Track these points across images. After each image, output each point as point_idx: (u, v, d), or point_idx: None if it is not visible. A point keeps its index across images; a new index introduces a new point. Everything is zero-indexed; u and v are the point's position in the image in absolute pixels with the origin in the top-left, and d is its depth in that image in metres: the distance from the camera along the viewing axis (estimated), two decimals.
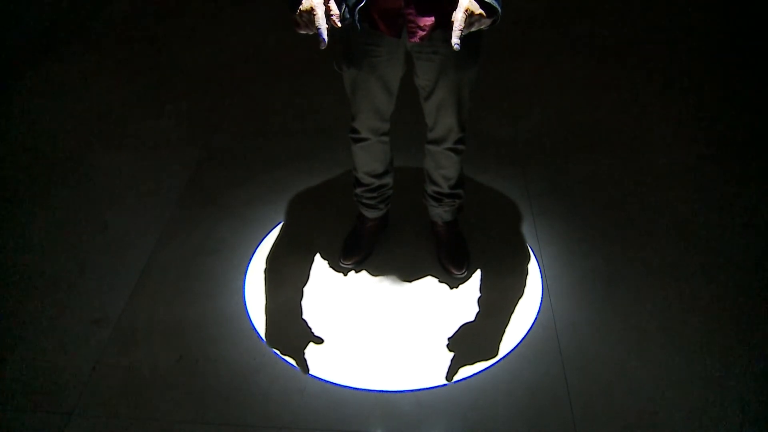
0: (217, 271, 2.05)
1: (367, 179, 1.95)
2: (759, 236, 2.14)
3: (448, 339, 1.81)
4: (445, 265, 2.01)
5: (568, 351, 1.77)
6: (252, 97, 3.02)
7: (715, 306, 1.89)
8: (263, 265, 2.06)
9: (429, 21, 1.46)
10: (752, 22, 3.62)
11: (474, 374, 1.71)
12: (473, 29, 1.33)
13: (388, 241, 2.14)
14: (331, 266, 2.05)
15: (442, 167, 1.88)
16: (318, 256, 2.09)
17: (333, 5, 1.35)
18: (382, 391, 1.68)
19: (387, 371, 1.73)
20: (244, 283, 2.00)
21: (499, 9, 1.33)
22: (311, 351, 1.78)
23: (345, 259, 2.03)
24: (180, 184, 2.43)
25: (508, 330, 1.83)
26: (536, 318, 1.87)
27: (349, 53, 1.62)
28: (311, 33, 1.34)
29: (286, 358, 1.76)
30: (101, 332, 1.84)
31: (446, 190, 1.94)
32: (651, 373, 1.70)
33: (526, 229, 2.19)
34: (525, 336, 1.81)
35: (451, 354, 1.77)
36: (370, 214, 2.05)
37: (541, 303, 1.91)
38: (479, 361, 1.74)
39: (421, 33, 1.48)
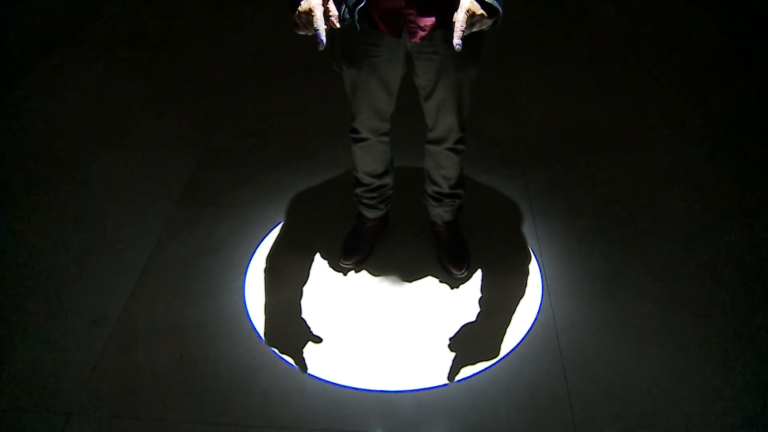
0: (217, 271, 2.05)
1: (367, 179, 1.95)
2: (759, 236, 2.14)
3: (448, 339, 1.81)
4: (445, 265, 2.01)
5: (568, 351, 1.77)
6: (252, 97, 3.02)
7: (715, 306, 1.89)
8: (263, 265, 2.06)
9: (429, 21, 1.46)
10: (752, 22, 3.62)
11: (474, 374, 1.71)
12: (475, 29, 1.33)
13: (388, 241, 2.14)
14: (331, 266, 2.05)
15: (442, 167, 1.88)
16: (318, 256, 2.09)
17: (332, 6, 1.35)
18: (382, 391, 1.68)
19: (387, 371, 1.73)
20: (244, 283, 2.00)
21: (500, 9, 1.33)
22: (311, 351, 1.78)
23: (345, 259, 2.03)
24: (180, 184, 2.43)
25: (508, 330, 1.83)
26: (536, 318, 1.87)
27: (349, 53, 1.62)
28: (310, 34, 1.35)
29: (286, 357, 1.76)
30: (101, 332, 1.84)
31: (446, 190, 1.94)
32: (651, 373, 1.70)
33: (526, 229, 2.19)
34: (525, 336, 1.81)
35: (451, 354, 1.77)
36: (370, 214, 2.05)
37: (541, 303, 1.91)
38: (479, 361, 1.74)
39: (422, 33, 1.48)
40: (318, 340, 1.81)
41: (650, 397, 1.65)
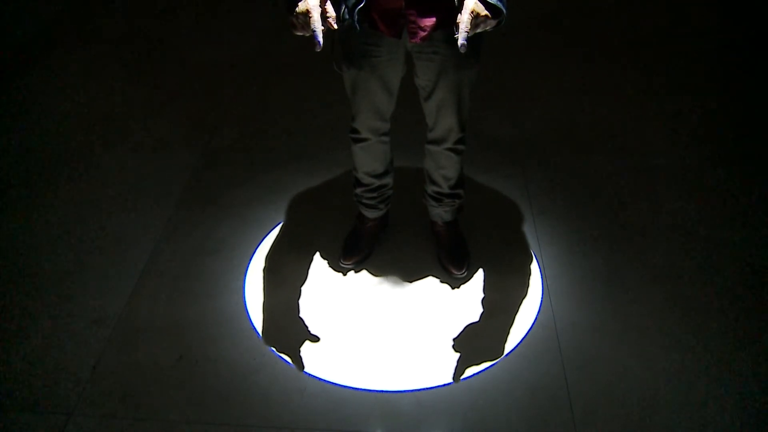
0: (217, 271, 2.05)
1: (367, 179, 1.95)
2: (759, 236, 2.14)
3: (448, 339, 1.81)
4: (445, 265, 2.01)
5: (568, 351, 1.77)
6: (252, 97, 3.02)
7: (715, 306, 1.89)
8: (263, 265, 2.06)
9: (430, 21, 1.46)
10: (752, 22, 3.62)
11: (474, 374, 1.71)
12: (478, 30, 1.33)
13: (388, 241, 2.14)
14: (331, 266, 2.05)
15: (442, 167, 1.88)
16: (318, 256, 2.09)
17: (329, 7, 1.35)
18: (382, 391, 1.68)
19: (387, 371, 1.73)
20: (244, 283, 2.00)
21: (504, 10, 1.33)
22: (311, 351, 1.78)
23: (345, 259, 2.03)
24: (180, 184, 2.43)
25: (508, 330, 1.83)
26: (536, 318, 1.87)
27: (349, 53, 1.62)
28: (307, 35, 1.35)
29: (286, 357, 1.76)
30: (101, 332, 1.84)
31: (446, 190, 1.94)
32: (651, 373, 1.70)
33: (526, 229, 2.19)
34: (525, 336, 1.81)
35: (451, 354, 1.77)
36: (370, 214, 2.05)
37: (541, 303, 1.91)
38: (479, 361, 1.74)
39: (422, 33, 1.48)
40: (318, 339, 1.81)
41: (650, 397, 1.65)
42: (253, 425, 1.60)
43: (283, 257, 2.09)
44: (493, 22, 1.33)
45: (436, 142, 1.81)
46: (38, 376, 1.72)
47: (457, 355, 1.76)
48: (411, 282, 2.00)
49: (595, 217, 2.24)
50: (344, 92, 1.75)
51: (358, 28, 1.48)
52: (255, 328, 1.85)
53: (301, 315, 1.89)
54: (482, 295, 1.94)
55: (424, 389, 1.68)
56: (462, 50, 1.29)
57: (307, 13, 1.32)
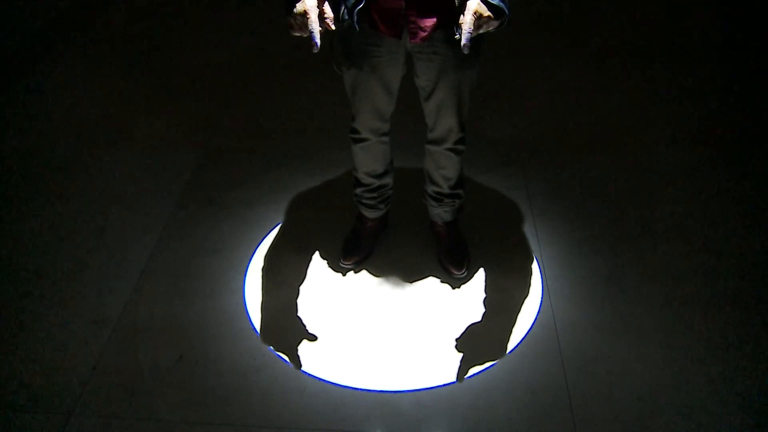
0: (216, 270, 2.05)
1: (367, 179, 1.95)
2: (759, 236, 2.14)
3: (448, 339, 1.81)
4: (445, 265, 2.01)
5: (568, 351, 1.77)
6: (252, 97, 3.02)
7: (715, 306, 1.89)
8: (263, 265, 2.06)
9: (430, 22, 1.46)
10: (752, 23, 3.62)
11: (474, 374, 1.71)
12: (481, 31, 1.34)
13: (388, 241, 2.14)
14: (331, 266, 2.05)
15: (442, 167, 1.88)
16: (318, 256, 2.09)
17: (327, 8, 1.36)
18: (382, 391, 1.68)
19: (387, 371, 1.73)
20: (244, 283, 2.00)
21: (507, 11, 1.33)
22: (311, 351, 1.78)
23: (345, 259, 2.03)
24: (180, 184, 2.43)
25: (508, 330, 1.83)
26: (536, 318, 1.87)
27: (349, 54, 1.62)
28: (305, 35, 1.35)
29: (286, 357, 1.76)
30: (101, 332, 1.84)
31: (446, 191, 1.94)
32: (651, 373, 1.70)
33: (526, 229, 2.19)
34: (525, 336, 1.81)
35: (451, 354, 1.77)
36: (370, 214, 2.05)
37: (541, 303, 1.91)
38: (479, 361, 1.74)
39: (422, 34, 1.48)
40: (318, 339, 1.81)
41: (650, 397, 1.65)
42: (253, 425, 1.60)
43: (283, 257, 2.09)
44: (495, 23, 1.34)
45: (436, 142, 1.81)
46: (38, 376, 1.72)
47: (457, 355, 1.76)
48: (411, 282, 2.00)
49: (595, 217, 2.24)
50: (344, 92, 1.75)
51: (357, 28, 1.48)
52: (255, 328, 1.85)
53: (301, 315, 1.89)
54: (482, 295, 1.94)
55: (424, 389, 1.68)
56: (465, 51, 1.30)
57: (304, 14, 1.32)
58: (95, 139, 2.70)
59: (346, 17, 1.47)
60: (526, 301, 1.92)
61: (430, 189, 1.98)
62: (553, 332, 1.82)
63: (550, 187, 2.38)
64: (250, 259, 2.09)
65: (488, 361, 1.75)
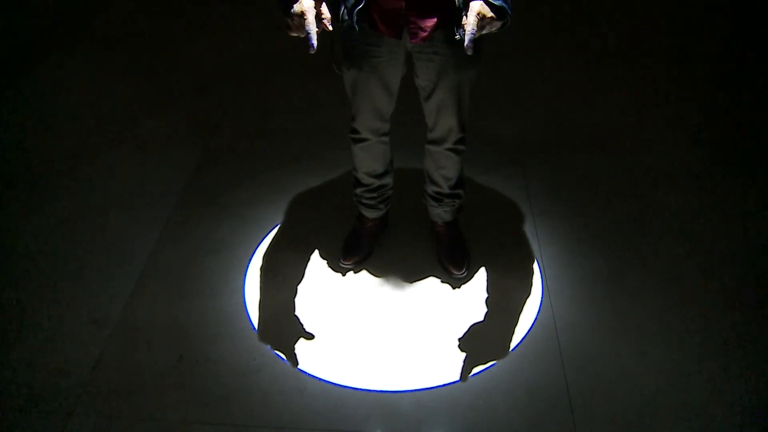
0: (217, 270, 2.05)
1: (367, 179, 1.95)
2: (759, 236, 2.14)
3: (448, 339, 1.81)
4: (445, 265, 2.01)
5: (568, 351, 1.77)
6: (252, 97, 3.02)
7: (715, 306, 1.89)
8: (263, 265, 2.06)
9: (430, 22, 1.46)
10: (752, 23, 3.62)
11: (474, 374, 1.71)
12: (484, 32, 1.34)
13: (388, 241, 2.14)
14: (331, 266, 2.05)
15: (442, 167, 1.88)
16: (318, 256, 2.09)
17: (324, 9, 1.36)
18: (382, 391, 1.68)
19: (387, 371, 1.73)
20: (244, 283, 2.00)
21: (510, 12, 1.34)
22: (311, 351, 1.78)
23: (345, 259, 2.03)
24: (180, 184, 2.43)
25: (508, 330, 1.83)
26: (536, 318, 1.87)
27: (349, 54, 1.62)
28: (302, 36, 1.35)
29: (286, 357, 1.76)
30: (101, 332, 1.84)
31: (446, 191, 1.94)
32: (651, 373, 1.70)
33: (526, 229, 2.19)
34: (525, 336, 1.81)
35: (451, 354, 1.77)
36: (370, 214, 2.05)
37: (541, 303, 1.91)
38: (479, 361, 1.74)
39: (423, 34, 1.48)
40: (317, 339, 1.81)
41: (650, 397, 1.65)
42: (253, 425, 1.60)
43: (283, 257, 2.09)
44: (498, 24, 1.34)
45: (436, 142, 1.81)
46: (38, 376, 1.72)
47: (457, 355, 1.76)
48: (411, 282, 2.00)
49: (596, 217, 2.24)
50: (344, 92, 1.75)
51: (357, 29, 1.48)
52: (255, 328, 1.85)
53: (301, 315, 1.89)
54: (482, 295, 1.94)
55: (424, 389, 1.68)
56: (468, 52, 1.30)
57: (302, 15, 1.33)
58: (95, 139, 2.70)
59: (346, 17, 1.47)
60: (526, 301, 1.92)
61: (430, 189, 1.98)
62: (553, 332, 1.82)
63: (550, 187, 2.38)
64: (250, 259, 2.09)
65: (488, 361, 1.75)
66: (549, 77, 3.13)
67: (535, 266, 2.04)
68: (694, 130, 2.71)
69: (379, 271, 2.04)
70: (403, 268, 2.04)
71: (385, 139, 1.86)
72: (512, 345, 1.79)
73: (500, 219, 2.24)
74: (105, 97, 3.01)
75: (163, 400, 1.66)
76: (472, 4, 1.31)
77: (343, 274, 2.03)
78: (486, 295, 1.94)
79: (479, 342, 1.80)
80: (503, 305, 1.91)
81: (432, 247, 2.10)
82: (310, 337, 1.82)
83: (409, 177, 2.32)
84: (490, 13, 1.32)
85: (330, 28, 1.37)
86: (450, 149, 1.81)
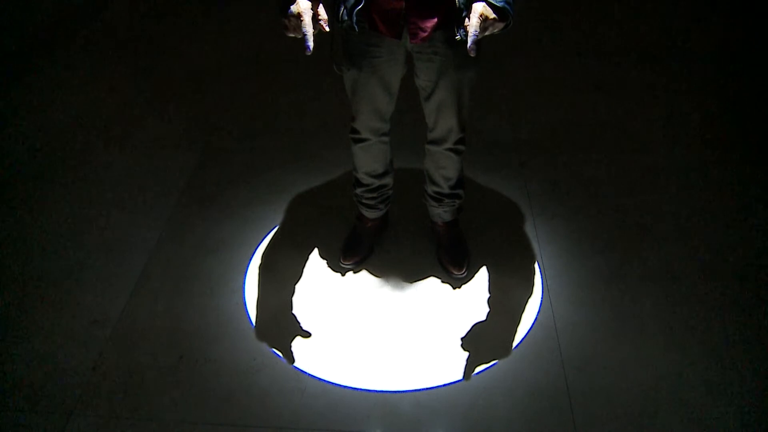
0: (216, 270, 2.05)
1: (367, 179, 1.95)
2: (758, 236, 2.13)
3: (448, 339, 1.81)
4: (445, 265, 2.01)
5: (568, 351, 1.77)
6: (252, 97, 3.02)
7: (715, 306, 1.89)
8: (263, 265, 2.06)
9: (430, 22, 1.46)
10: (753, 22, 3.62)
11: (474, 374, 1.71)
12: (487, 34, 1.34)
13: (388, 242, 2.14)
14: (330, 266, 2.05)
15: (442, 167, 1.88)
16: (318, 256, 2.09)
17: (321, 11, 1.36)
18: (382, 391, 1.68)
19: (387, 371, 1.73)
20: (243, 283, 2.00)
21: (512, 13, 1.34)
22: (311, 351, 1.78)
23: (345, 260, 2.03)
24: (180, 184, 2.43)
25: (508, 330, 1.83)
26: (536, 318, 1.87)
27: (349, 54, 1.62)
28: (299, 37, 1.35)
29: (286, 357, 1.76)
30: (101, 332, 1.84)
31: (446, 191, 1.94)
32: (651, 373, 1.70)
33: (526, 229, 2.19)
34: (525, 336, 1.81)
35: (451, 354, 1.77)
36: (370, 214, 2.05)
37: (541, 303, 1.91)
38: (479, 361, 1.74)
39: (423, 34, 1.48)
40: (317, 339, 1.81)
41: (650, 397, 1.65)
42: (253, 425, 1.60)
43: (282, 257, 2.09)
44: (500, 25, 1.34)
45: (436, 142, 1.81)
46: (38, 376, 1.72)
47: (457, 355, 1.76)
48: (411, 282, 2.00)
49: (595, 217, 2.24)
50: (344, 92, 1.75)
51: (356, 29, 1.48)
52: (255, 328, 1.85)
53: (301, 315, 1.89)
54: (482, 295, 1.94)
55: (423, 389, 1.68)
56: (472, 54, 1.30)
57: (298, 16, 1.33)
58: (95, 139, 2.70)
59: (345, 18, 1.47)
60: (526, 301, 1.92)
61: (430, 189, 1.98)
62: (553, 332, 1.82)
63: (550, 187, 2.38)
64: (250, 259, 2.09)
65: (488, 361, 1.74)
66: (548, 77, 3.13)
67: (535, 266, 2.04)
68: (695, 130, 2.71)
69: (379, 271, 2.04)
70: (403, 268, 2.04)
71: (385, 139, 1.86)
72: (512, 345, 1.79)
73: (500, 219, 2.24)
74: (105, 97, 3.01)
75: (163, 400, 1.66)
76: (474, 5, 1.31)
77: (343, 274, 2.03)
78: (486, 295, 1.94)
79: (479, 342, 1.80)
80: (503, 305, 1.91)
81: (432, 247, 2.10)
82: (309, 336, 1.82)
83: (409, 177, 2.32)
84: (492, 15, 1.32)
85: (327, 29, 1.37)
86: (450, 149, 1.81)
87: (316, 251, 2.11)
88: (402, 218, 2.21)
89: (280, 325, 1.86)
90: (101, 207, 2.32)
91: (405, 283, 1.99)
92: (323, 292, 1.97)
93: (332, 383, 1.69)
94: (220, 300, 1.94)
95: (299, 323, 1.86)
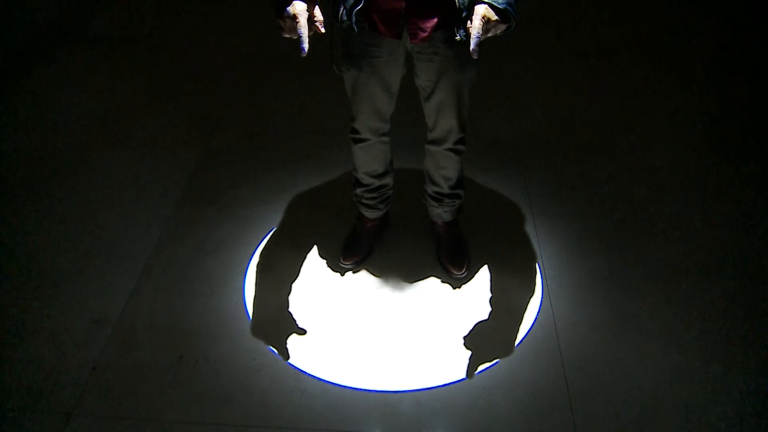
0: (216, 270, 2.05)
1: (367, 179, 1.95)
2: (758, 236, 2.14)
3: (448, 339, 1.81)
4: (445, 265, 2.01)
5: (568, 351, 1.77)
6: (252, 97, 3.02)
7: (714, 306, 1.89)
8: (263, 265, 2.06)
9: (430, 22, 1.46)
10: (752, 22, 3.62)
11: (474, 374, 1.71)
12: (489, 35, 1.34)
13: (388, 242, 2.14)
14: (330, 266, 2.05)
15: (442, 167, 1.88)
16: (318, 256, 2.09)
17: (317, 12, 1.36)
18: (382, 391, 1.68)
19: (387, 371, 1.73)
20: (243, 283, 2.00)
21: (514, 15, 1.34)
22: (311, 351, 1.78)
23: (345, 260, 2.03)
24: (180, 184, 2.43)
25: (508, 330, 1.83)
26: (536, 318, 1.87)
27: (349, 54, 1.62)
28: (294, 38, 1.35)
29: (286, 357, 1.76)
30: (101, 332, 1.84)
31: (446, 191, 1.94)
32: (651, 374, 1.70)
33: (527, 229, 2.19)
34: (525, 336, 1.81)
35: (451, 354, 1.77)
36: (370, 214, 2.05)
37: (541, 303, 1.91)
38: (479, 361, 1.74)
39: (423, 34, 1.48)
40: (315, 338, 1.81)
41: (650, 397, 1.65)
42: (253, 425, 1.60)
43: (282, 257, 2.09)
44: (503, 27, 1.34)
45: (436, 142, 1.81)
46: (38, 376, 1.72)
47: (457, 355, 1.76)
48: (411, 282, 2.00)
49: (596, 217, 2.24)
50: (344, 92, 1.75)
51: (356, 29, 1.48)
52: (254, 328, 1.85)
53: (301, 315, 1.89)
54: (482, 296, 1.94)
55: (424, 389, 1.68)
56: (474, 56, 1.30)
57: (294, 18, 1.33)
58: (95, 139, 2.70)
59: (345, 18, 1.47)
60: (527, 301, 1.92)
61: (430, 189, 1.98)
62: (553, 332, 1.82)
63: (550, 187, 2.38)
64: (250, 259, 2.09)
65: (488, 361, 1.75)
66: (548, 77, 3.13)
67: (536, 266, 2.04)
68: (695, 129, 2.71)
69: (379, 271, 2.04)
70: (403, 268, 2.04)
71: (385, 139, 1.86)
72: (512, 345, 1.79)
73: (500, 219, 2.24)
74: (105, 97, 3.01)
75: (163, 400, 1.66)
76: (476, 7, 1.31)
77: (343, 275, 2.03)
78: (486, 296, 1.94)
79: (480, 342, 1.80)
80: (503, 305, 1.91)
81: (432, 247, 2.10)
82: (310, 336, 1.82)
83: (409, 177, 2.32)
84: (494, 17, 1.32)
85: (323, 31, 1.37)
86: (450, 149, 1.81)
87: (315, 251, 2.11)
88: (402, 218, 2.21)
89: (280, 325, 1.86)
90: (101, 207, 2.32)
91: (405, 283, 1.99)
92: (323, 292, 1.97)
93: (332, 383, 1.69)
94: (220, 300, 1.94)
95: (299, 323, 1.86)
